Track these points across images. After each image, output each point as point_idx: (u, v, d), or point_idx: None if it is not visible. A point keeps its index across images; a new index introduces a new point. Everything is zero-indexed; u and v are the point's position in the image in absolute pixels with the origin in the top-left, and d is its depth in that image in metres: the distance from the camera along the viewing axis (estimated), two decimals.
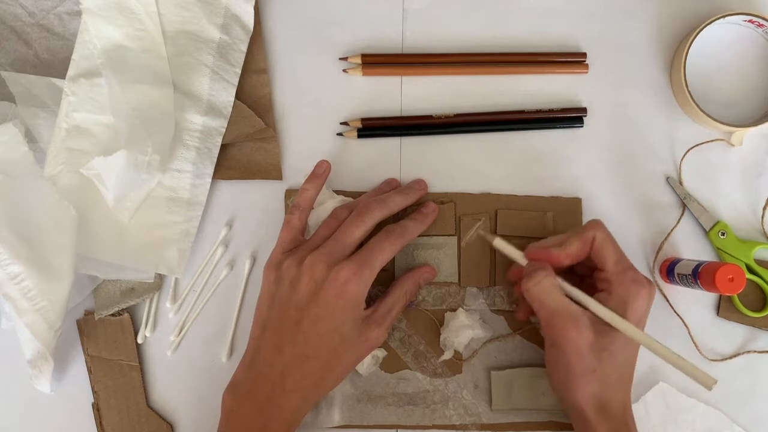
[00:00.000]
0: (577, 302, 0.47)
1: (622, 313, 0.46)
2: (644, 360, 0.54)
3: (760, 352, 0.54)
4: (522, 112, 0.56)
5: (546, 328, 0.48)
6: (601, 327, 0.46)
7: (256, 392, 0.47)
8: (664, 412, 0.54)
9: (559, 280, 0.47)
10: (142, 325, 0.55)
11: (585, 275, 0.51)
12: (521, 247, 0.50)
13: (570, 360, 0.46)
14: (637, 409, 0.53)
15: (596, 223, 0.49)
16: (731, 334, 0.55)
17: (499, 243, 0.50)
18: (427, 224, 0.53)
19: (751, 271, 0.54)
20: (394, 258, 0.55)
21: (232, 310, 0.55)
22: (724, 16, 0.53)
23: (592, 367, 0.46)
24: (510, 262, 0.53)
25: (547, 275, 0.47)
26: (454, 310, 0.55)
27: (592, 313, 0.46)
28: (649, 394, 0.54)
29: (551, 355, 0.48)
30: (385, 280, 0.54)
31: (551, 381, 0.49)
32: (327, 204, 0.53)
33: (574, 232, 0.49)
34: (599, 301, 0.47)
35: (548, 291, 0.47)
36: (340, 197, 0.54)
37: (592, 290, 0.48)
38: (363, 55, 0.56)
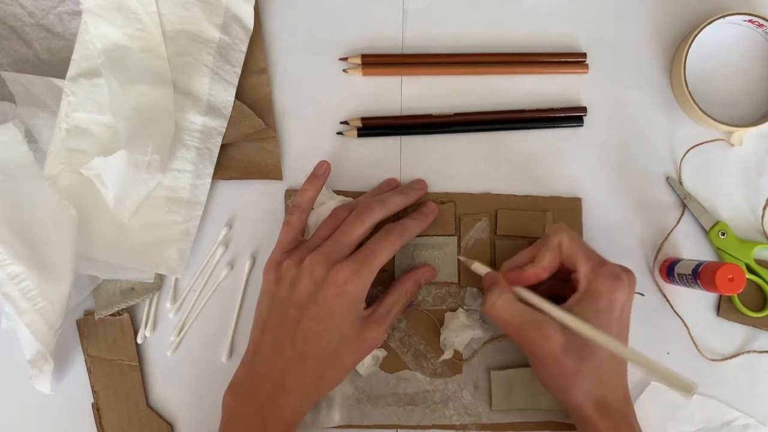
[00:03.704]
0: (541, 310, 0.46)
1: (602, 309, 0.46)
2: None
3: (760, 352, 0.54)
4: (522, 111, 0.56)
5: (518, 343, 0.48)
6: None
7: (256, 392, 0.47)
8: (661, 411, 0.54)
9: (520, 290, 0.48)
10: (142, 325, 0.55)
11: (565, 279, 0.51)
12: (519, 248, 0.50)
13: (550, 367, 0.46)
14: (635, 412, 0.53)
15: (559, 228, 0.49)
16: (731, 334, 0.55)
17: (477, 266, 0.52)
18: (427, 224, 0.53)
19: (751, 271, 0.54)
20: (394, 258, 0.55)
21: (232, 310, 0.55)
22: (724, 16, 0.53)
23: (574, 369, 0.46)
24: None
25: (501, 293, 0.47)
26: (454, 310, 0.55)
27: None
28: (643, 396, 0.54)
29: (534, 366, 0.49)
30: (385, 280, 0.54)
31: (544, 386, 0.50)
32: (327, 204, 0.53)
33: (542, 243, 0.49)
34: (576, 300, 0.47)
35: (506, 307, 0.47)
36: (340, 197, 0.54)
37: (573, 292, 0.48)
38: (363, 56, 0.56)
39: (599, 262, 0.47)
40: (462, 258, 0.54)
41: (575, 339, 0.45)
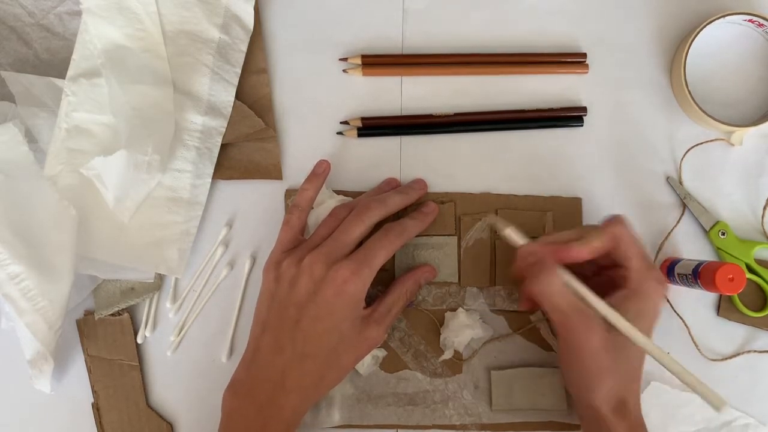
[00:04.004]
0: (585, 302, 0.46)
1: (645, 312, 0.45)
2: None
3: (760, 352, 0.54)
4: (522, 111, 0.56)
5: (559, 329, 0.47)
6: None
7: (256, 392, 0.47)
8: (661, 411, 0.54)
9: (568, 278, 0.46)
10: (142, 325, 0.55)
11: (592, 274, 0.50)
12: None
13: (585, 360, 0.45)
14: None
15: (621, 219, 0.47)
16: (731, 334, 0.55)
17: (511, 233, 0.48)
18: (427, 223, 0.53)
19: (751, 270, 0.54)
20: (394, 258, 0.55)
21: (232, 310, 0.55)
22: (724, 16, 0.53)
23: (607, 366, 0.45)
24: (512, 259, 0.52)
25: (551, 277, 0.45)
26: (454, 310, 0.55)
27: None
28: (644, 395, 0.54)
29: (565, 355, 0.48)
30: (385, 280, 0.54)
31: (566, 381, 0.49)
32: (327, 203, 0.53)
33: (594, 227, 0.48)
34: (621, 298, 0.46)
35: (559, 293, 0.45)
36: (340, 197, 0.54)
37: (607, 287, 0.47)
38: (363, 56, 0.56)
39: (651, 265, 0.47)
40: (493, 219, 0.50)
41: (616, 337, 0.45)
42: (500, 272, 0.55)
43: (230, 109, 0.54)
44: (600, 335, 0.45)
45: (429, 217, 0.53)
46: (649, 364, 0.54)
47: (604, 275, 0.49)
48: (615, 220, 0.47)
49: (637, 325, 0.45)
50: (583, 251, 0.46)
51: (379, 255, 0.48)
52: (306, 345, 0.47)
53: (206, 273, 0.56)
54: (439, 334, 0.54)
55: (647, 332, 0.46)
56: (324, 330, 0.47)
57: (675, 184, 0.56)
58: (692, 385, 0.44)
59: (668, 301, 0.55)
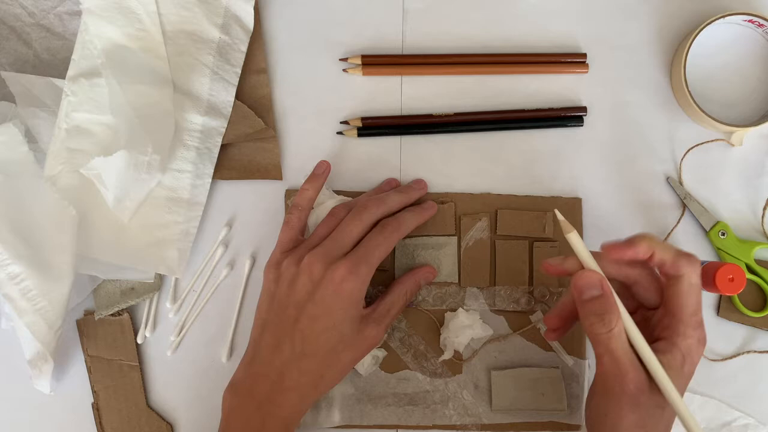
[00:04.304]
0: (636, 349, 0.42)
1: (684, 373, 0.42)
2: None
3: (760, 352, 0.54)
4: (522, 111, 0.56)
5: (603, 374, 0.42)
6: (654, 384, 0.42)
7: (255, 390, 0.47)
8: None
9: (627, 323, 0.42)
10: (142, 325, 0.55)
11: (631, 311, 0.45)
12: (519, 248, 0.50)
13: (622, 412, 0.41)
14: None
15: (694, 261, 0.42)
16: (731, 334, 0.55)
17: (574, 239, 0.43)
18: (425, 217, 0.53)
19: (751, 271, 0.54)
20: (394, 258, 0.55)
21: (232, 310, 0.55)
22: (724, 16, 0.53)
23: (642, 424, 0.41)
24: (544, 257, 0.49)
25: (619, 320, 0.41)
26: (454, 310, 0.55)
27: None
28: None
29: (599, 402, 0.43)
30: (386, 280, 0.54)
31: (589, 427, 0.45)
32: (327, 204, 0.53)
33: (667, 245, 0.43)
34: (667, 350, 0.42)
35: (619, 337, 0.41)
36: (340, 197, 0.54)
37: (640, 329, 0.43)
38: (363, 56, 0.56)
39: (701, 322, 0.43)
40: (560, 217, 0.44)
41: (654, 399, 0.41)
42: (500, 272, 0.55)
43: (230, 109, 0.54)
44: (645, 391, 0.41)
45: (426, 211, 0.53)
46: None
47: (640, 314, 0.46)
48: (689, 260, 0.42)
49: (672, 379, 0.41)
50: (642, 250, 0.42)
51: (376, 251, 0.48)
52: (304, 344, 0.47)
53: (206, 273, 0.56)
54: (439, 334, 0.54)
55: (680, 394, 0.42)
56: (323, 329, 0.47)
57: (675, 184, 0.56)
58: None
59: None
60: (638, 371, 0.41)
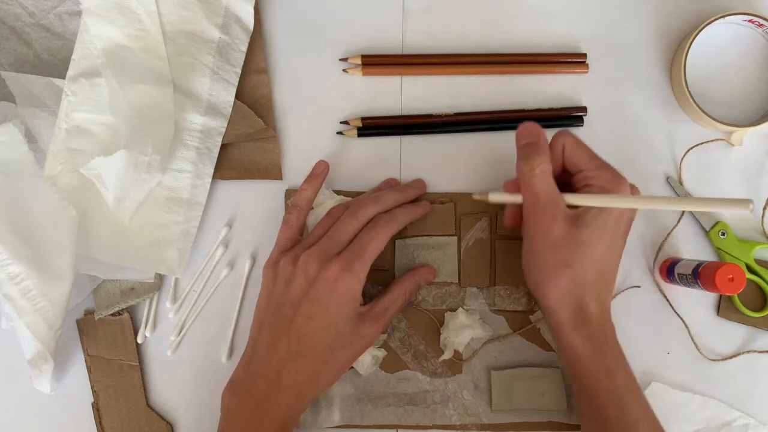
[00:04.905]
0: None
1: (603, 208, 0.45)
2: (636, 363, 0.54)
3: (760, 352, 0.54)
4: (522, 111, 0.56)
5: (525, 216, 0.47)
6: (578, 220, 0.45)
7: (253, 389, 0.47)
8: (662, 411, 0.53)
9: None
10: (142, 325, 0.55)
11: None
12: (520, 248, 0.50)
13: (544, 253, 0.46)
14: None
15: (563, 132, 0.48)
16: (731, 334, 0.55)
17: (494, 196, 0.49)
18: (418, 213, 0.53)
19: (751, 271, 0.54)
20: (394, 258, 0.55)
21: (232, 310, 0.55)
22: (724, 16, 0.53)
23: (566, 262, 0.45)
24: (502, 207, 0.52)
25: (543, 161, 0.46)
26: (454, 310, 0.55)
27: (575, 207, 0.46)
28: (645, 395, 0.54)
29: (526, 249, 0.48)
30: (385, 280, 0.54)
31: (527, 280, 0.49)
32: (327, 204, 0.53)
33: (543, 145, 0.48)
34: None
35: (541, 175, 0.46)
36: (340, 197, 0.54)
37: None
38: (363, 56, 0.56)
39: (603, 164, 0.47)
40: (477, 197, 0.50)
41: (577, 231, 0.45)
42: (500, 272, 0.55)
43: (230, 109, 0.54)
44: (561, 226, 0.45)
45: (420, 208, 0.53)
46: (650, 364, 0.54)
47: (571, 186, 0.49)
48: (557, 135, 0.48)
49: (595, 222, 0.45)
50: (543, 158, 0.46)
51: (369, 246, 0.48)
52: (300, 343, 0.47)
53: (206, 273, 0.56)
54: (439, 334, 0.54)
55: (603, 229, 0.45)
56: (318, 328, 0.47)
57: (675, 184, 0.56)
58: (704, 205, 0.43)
59: (667, 300, 0.55)
60: (557, 207, 0.45)
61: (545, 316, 0.49)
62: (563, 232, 0.45)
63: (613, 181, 0.46)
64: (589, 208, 0.45)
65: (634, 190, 0.47)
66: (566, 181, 0.49)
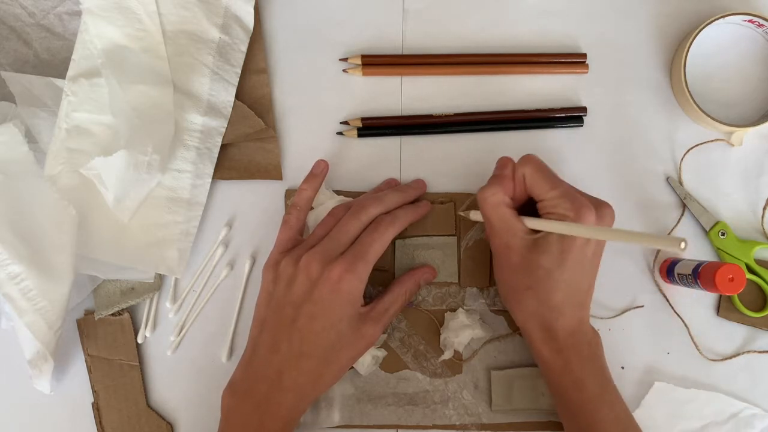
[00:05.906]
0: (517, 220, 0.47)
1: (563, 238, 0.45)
2: (638, 363, 0.54)
3: (760, 352, 0.54)
4: (522, 111, 0.56)
5: (490, 241, 0.49)
6: (537, 246, 0.46)
7: (253, 390, 0.47)
8: (667, 410, 0.54)
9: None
10: (142, 325, 0.55)
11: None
12: None
13: (509, 274, 0.48)
14: (640, 413, 0.53)
15: (525, 159, 0.48)
16: (731, 334, 0.55)
17: (474, 215, 0.52)
18: (419, 213, 0.53)
19: (751, 271, 0.54)
20: (394, 258, 0.55)
21: (232, 310, 0.55)
22: (724, 16, 0.53)
23: (527, 285, 0.46)
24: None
25: (495, 192, 0.47)
26: (454, 310, 0.55)
27: (533, 231, 0.46)
28: (648, 396, 0.54)
29: (495, 269, 0.50)
30: (385, 281, 0.54)
31: (501, 297, 0.51)
32: (327, 204, 0.53)
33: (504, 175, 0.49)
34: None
35: (493, 203, 0.47)
36: (340, 197, 0.54)
37: None
38: (363, 56, 0.56)
39: (565, 191, 0.46)
40: (462, 213, 0.54)
41: (535, 257, 0.46)
42: None
43: (230, 109, 0.54)
44: (520, 252, 0.46)
45: (421, 208, 0.53)
46: (651, 361, 0.54)
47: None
48: (520, 162, 0.48)
49: (554, 252, 0.45)
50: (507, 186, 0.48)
51: (372, 247, 0.48)
52: (302, 344, 0.47)
53: (206, 273, 0.56)
54: (439, 334, 0.54)
55: (566, 261, 0.45)
56: (321, 328, 0.47)
57: (675, 184, 0.56)
58: (640, 240, 0.41)
59: (667, 300, 0.55)
60: (513, 235, 0.46)
61: (523, 336, 0.50)
62: (521, 259, 0.46)
63: (572, 209, 0.45)
64: (549, 234, 0.46)
65: (609, 212, 0.46)
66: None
